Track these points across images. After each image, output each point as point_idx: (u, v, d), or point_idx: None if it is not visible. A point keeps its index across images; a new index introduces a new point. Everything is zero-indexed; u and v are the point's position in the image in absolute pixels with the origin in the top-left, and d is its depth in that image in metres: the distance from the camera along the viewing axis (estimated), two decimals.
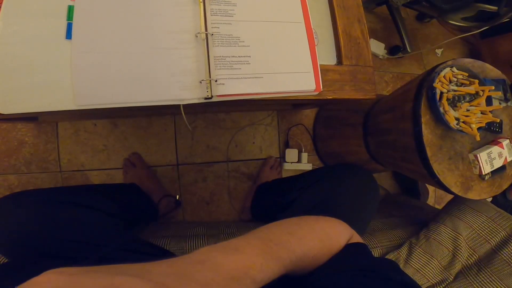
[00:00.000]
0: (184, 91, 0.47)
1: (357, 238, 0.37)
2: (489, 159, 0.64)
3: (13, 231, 0.42)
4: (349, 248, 0.35)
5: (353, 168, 0.58)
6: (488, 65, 0.69)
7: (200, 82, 0.48)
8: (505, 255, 0.63)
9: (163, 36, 0.48)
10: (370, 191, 0.56)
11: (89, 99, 0.43)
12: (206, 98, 0.48)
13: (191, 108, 0.52)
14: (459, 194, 0.66)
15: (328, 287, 0.28)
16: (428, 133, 0.61)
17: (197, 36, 0.49)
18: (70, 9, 0.45)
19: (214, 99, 0.49)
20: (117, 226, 0.52)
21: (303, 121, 1.04)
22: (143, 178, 0.85)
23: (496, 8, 0.92)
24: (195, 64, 0.49)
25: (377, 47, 1.19)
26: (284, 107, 0.93)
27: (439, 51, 1.32)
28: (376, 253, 0.72)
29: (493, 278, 0.62)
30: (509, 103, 0.69)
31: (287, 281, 0.29)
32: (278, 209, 0.63)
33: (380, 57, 1.20)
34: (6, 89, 0.42)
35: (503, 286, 0.61)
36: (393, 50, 1.20)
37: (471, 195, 0.67)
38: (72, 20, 0.45)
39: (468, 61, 0.67)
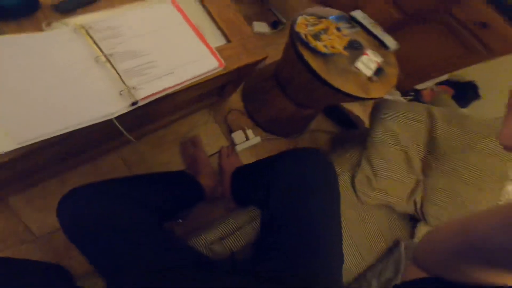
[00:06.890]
0: (110, 105, 0.53)
1: None
2: (365, 65, 0.84)
3: (74, 221, 0.50)
4: None
5: (310, 153, 0.61)
6: (329, 9, 0.92)
7: (120, 94, 0.55)
8: (440, 134, 0.74)
9: (68, 69, 0.53)
10: (330, 174, 0.60)
11: (25, 135, 0.46)
12: (133, 104, 0.55)
13: (127, 129, 0.57)
14: (364, 96, 0.82)
15: None
16: (313, 63, 0.78)
17: (97, 61, 0.55)
18: None
19: (140, 103, 0.56)
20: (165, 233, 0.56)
21: (234, 106, 1.15)
22: (198, 159, 0.98)
23: None
24: (110, 81, 0.55)
25: (262, 27, 1.37)
26: (211, 100, 1.02)
27: None
28: (345, 177, 0.81)
29: (454, 154, 0.72)
30: (357, 29, 0.94)
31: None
32: (256, 189, 0.70)
33: (267, 34, 1.38)
34: None
35: (464, 155, 0.72)
36: (274, 25, 1.40)
37: (373, 94, 0.85)
38: None
39: (315, 9, 0.89)
